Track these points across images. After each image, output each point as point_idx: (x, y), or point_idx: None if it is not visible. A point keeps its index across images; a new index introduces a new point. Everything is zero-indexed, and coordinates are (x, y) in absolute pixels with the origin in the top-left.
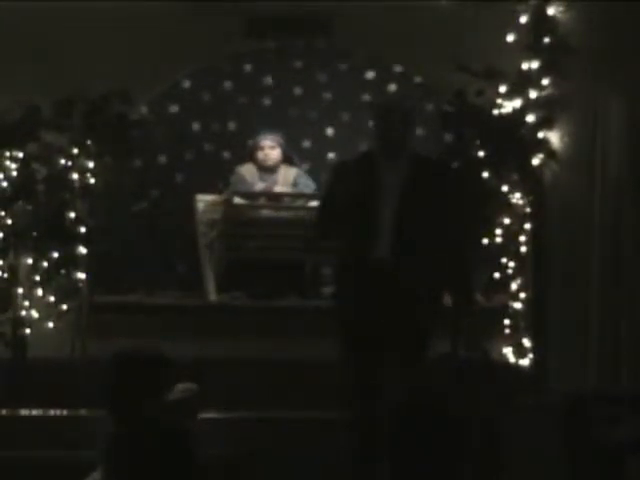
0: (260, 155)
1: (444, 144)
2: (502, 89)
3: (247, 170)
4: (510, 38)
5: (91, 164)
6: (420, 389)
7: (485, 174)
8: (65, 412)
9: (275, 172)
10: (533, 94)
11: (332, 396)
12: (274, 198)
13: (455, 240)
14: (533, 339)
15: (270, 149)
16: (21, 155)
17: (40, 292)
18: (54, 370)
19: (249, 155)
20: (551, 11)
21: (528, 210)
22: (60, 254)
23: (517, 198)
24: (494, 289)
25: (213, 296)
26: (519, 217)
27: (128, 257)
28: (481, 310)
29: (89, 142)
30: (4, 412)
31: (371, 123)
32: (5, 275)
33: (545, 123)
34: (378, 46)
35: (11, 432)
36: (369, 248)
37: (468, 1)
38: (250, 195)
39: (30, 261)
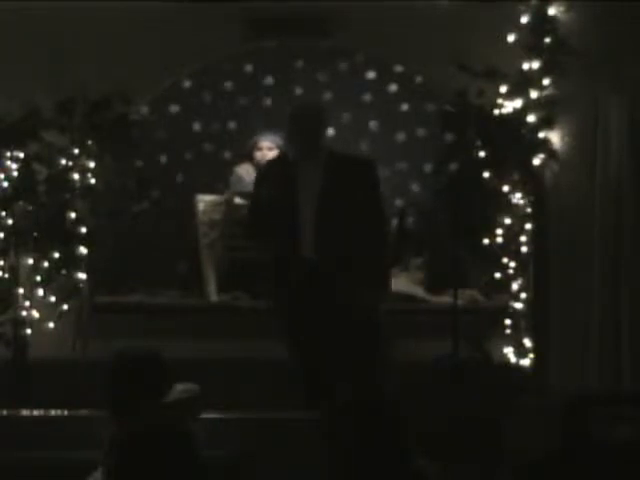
0: (258, 155)
1: (444, 144)
2: (503, 89)
3: (245, 170)
4: (510, 38)
5: (92, 164)
6: (366, 388)
7: (486, 174)
8: (65, 412)
9: None
10: (534, 94)
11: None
12: None
13: (374, 234)
14: (534, 339)
15: (268, 150)
16: (22, 155)
17: (41, 292)
18: (54, 370)
19: (247, 154)
20: (552, 11)
21: (529, 210)
22: (61, 254)
23: (518, 198)
24: (495, 289)
25: (214, 296)
26: (520, 217)
27: (129, 257)
28: (482, 310)
29: (90, 142)
30: (4, 412)
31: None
32: (6, 275)
33: (546, 123)
34: (378, 46)
35: (11, 432)
36: (293, 247)
37: (468, 1)
38: (250, 195)
39: (31, 261)
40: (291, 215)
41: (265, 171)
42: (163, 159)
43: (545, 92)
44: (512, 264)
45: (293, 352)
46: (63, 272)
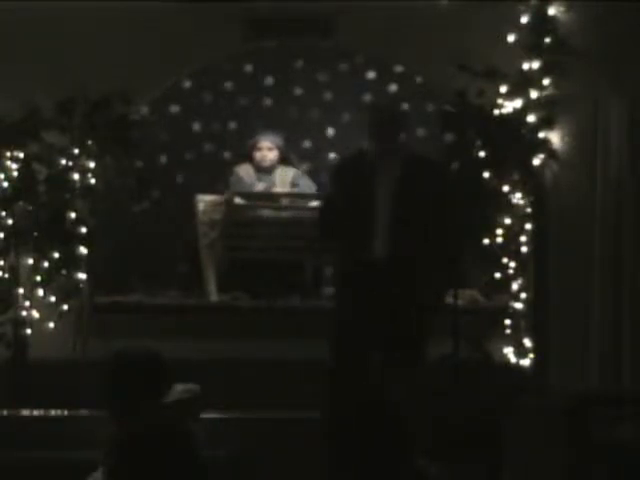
0: (257, 155)
1: (444, 144)
2: (503, 89)
3: (244, 170)
4: (510, 38)
5: (92, 164)
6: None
7: (486, 174)
8: (65, 412)
9: (272, 173)
10: (534, 94)
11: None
12: (275, 198)
13: (451, 240)
14: (534, 339)
15: (268, 150)
16: (22, 155)
17: (41, 292)
18: (54, 370)
19: (247, 154)
20: (552, 11)
21: (529, 210)
22: (61, 254)
23: (518, 198)
24: (495, 289)
25: (214, 296)
26: (520, 217)
27: (129, 257)
28: (482, 310)
29: (90, 142)
30: (4, 412)
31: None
32: (6, 275)
33: (546, 123)
34: (379, 46)
35: (11, 432)
36: (366, 249)
37: (468, 1)
38: (251, 195)
39: (31, 261)
40: (367, 215)
41: (341, 167)
42: (163, 159)
43: (545, 92)
44: (512, 264)
45: (341, 352)
46: (63, 272)
